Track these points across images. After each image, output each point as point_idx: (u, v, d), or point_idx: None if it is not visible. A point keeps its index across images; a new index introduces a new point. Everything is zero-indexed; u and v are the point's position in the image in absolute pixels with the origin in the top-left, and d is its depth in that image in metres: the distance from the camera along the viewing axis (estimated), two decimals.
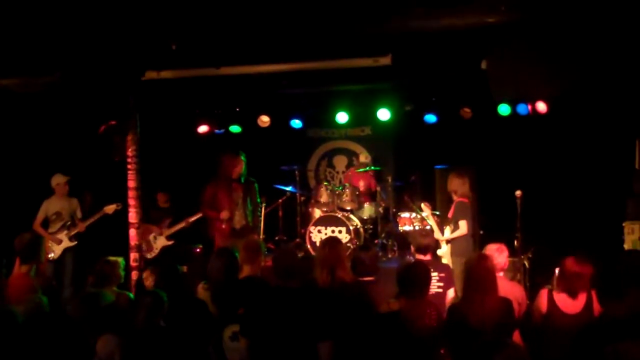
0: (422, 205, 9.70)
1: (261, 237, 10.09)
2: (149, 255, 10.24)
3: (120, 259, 6.74)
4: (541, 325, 5.85)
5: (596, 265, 5.77)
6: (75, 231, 9.90)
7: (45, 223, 9.96)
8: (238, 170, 9.48)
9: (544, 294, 5.87)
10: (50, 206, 9.96)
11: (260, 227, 9.72)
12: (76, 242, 9.92)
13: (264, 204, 10.63)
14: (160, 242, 10.48)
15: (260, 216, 9.78)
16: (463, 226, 8.82)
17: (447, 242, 8.96)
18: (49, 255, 9.48)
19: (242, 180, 9.52)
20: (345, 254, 6.28)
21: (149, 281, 6.39)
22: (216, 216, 9.40)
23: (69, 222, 9.95)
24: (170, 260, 9.71)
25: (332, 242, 6.29)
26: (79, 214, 10.04)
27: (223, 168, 9.49)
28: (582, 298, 5.68)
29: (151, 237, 10.38)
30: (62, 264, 9.81)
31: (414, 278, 5.47)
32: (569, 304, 5.68)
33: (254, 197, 9.63)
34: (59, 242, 9.83)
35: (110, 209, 9.88)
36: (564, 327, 5.49)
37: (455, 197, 9.08)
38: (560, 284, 5.82)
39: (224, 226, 9.40)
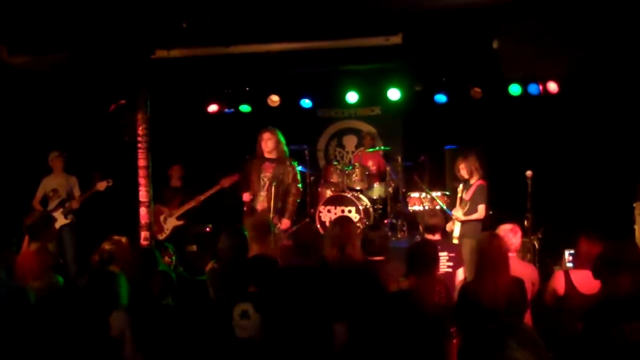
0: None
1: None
2: (160, 237, 10.25)
3: (124, 238, 6.76)
4: (555, 306, 5.82)
5: (605, 245, 5.74)
6: (70, 208, 9.90)
7: (45, 201, 9.98)
8: (265, 148, 8.93)
9: (560, 276, 5.81)
10: (48, 183, 9.99)
11: (289, 212, 8.91)
12: (72, 219, 9.92)
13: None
14: (171, 222, 10.50)
15: (295, 201, 8.99)
16: (481, 210, 8.78)
17: (461, 222, 8.92)
18: None
19: (274, 160, 8.97)
20: (357, 233, 6.27)
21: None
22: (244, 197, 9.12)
23: (66, 199, 9.96)
24: (181, 242, 9.78)
25: (343, 220, 6.30)
26: (76, 192, 10.03)
27: (257, 145, 9.06)
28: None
29: (162, 218, 10.40)
30: (61, 240, 9.77)
31: (422, 256, 5.48)
32: (587, 285, 5.62)
33: (287, 179, 8.91)
34: (55, 219, 9.86)
35: (101, 185, 9.86)
36: (581, 307, 5.46)
37: (474, 178, 8.99)
38: (579, 265, 5.79)
39: (245, 208, 9.08)
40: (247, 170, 9.17)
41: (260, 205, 8.94)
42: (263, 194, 8.93)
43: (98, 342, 3.10)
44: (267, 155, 8.97)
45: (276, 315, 5.18)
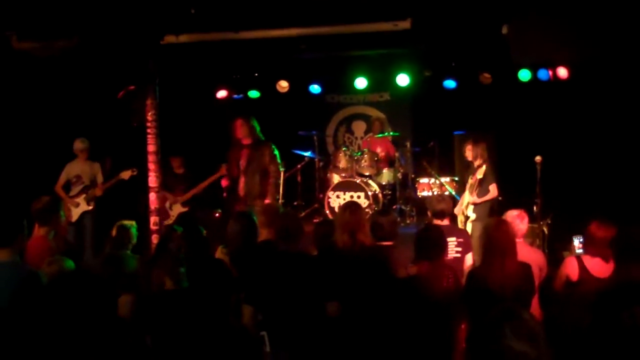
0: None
1: (280, 201, 10.08)
2: (165, 222, 10.28)
3: (133, 223, 6.81)
4: (566, 292, 5.82)
5: (617, 231, 5.74)
6: (93, 195, 9.97)
7: (68, 187, 10.06)
8: (240, 134, 9.10)
9: (572, 261, 5.81)
10: (72, 169, 10.06)
11: (270, 193, 9.01)
12: (94, 206, 9.99)
13: (283, 170, 10.65)
14: (176, 209, 10.52)
15: (275, 182, 9.19)
16: (493, 190, 8.82)
17: (475, 205, 8.93)
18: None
19: (250, 146, 9.13)
20: (366, 219, 6.29)
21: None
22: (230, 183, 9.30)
23: (89, 186, 10.03)
24: (193, 223, 9.78)
25: (353, 206, 6.30)
26: (100, 178, 10.10)
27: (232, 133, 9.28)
28: (611, 261, 5.64)
29: (167, 204, 10.43)
30: (82, 226, 9.91)
31: (429, 241, 5.49)
32: (601, 269, 5.64)
33: (263, 162, 9.05)
34: (77, 205, 9.93)
35: (126, 174, 9.92)
36: (594, 291, 5.45)
37: (477, 162, 9.04)
38: (591, 250, 5.78)
39: (224, 194, 9.28)
40: (229, 157, 9.33)
41: (242, 191, 9.11)
42: (243, 179, 9.10)
43: (106, 324, 3.12)
44: (243, 142, 9.13)
45: (272, 301, 5.25)
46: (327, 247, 5.98)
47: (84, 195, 9.98)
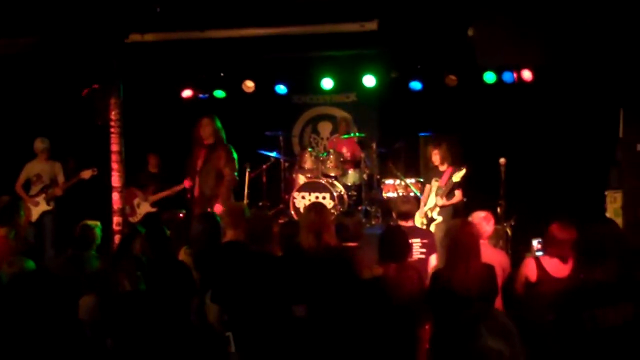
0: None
1: (245, 201, 10.03)
2: (131, 219, 10.21)
3: (98, 223, 6.75)
4: (527, 293, 5.87)
5: (577, 232, 5.79)
6: (53, 194, 9.87)
7: (28, 186, 9.94)
8: (203, 134, 8.93)
9: (531, 262, 5.88)
10: (32, 169, 9.97)
11: (222, 197, 8.78)
12: (54, 206, 9.88)
13: (248, 170, 10.61)
14: (144, 208, 10.45)
15: (228, 186, 8.92)
16: (459, 194, 8.94)
17: (440, 208, 9.01)
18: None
19: (210, 146, 8.97)
20: (331, 219, 6.27)
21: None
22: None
23: (49, 185, 9.92)
24: (157, 224, 9.72)
25: (318, 206, 6.28)
26: (60, 178, 10.01)
27: (194, 132, 9.11)
28: (569, 261, 5.71)
29: (135, 201, 10.35)
30: (42, 226, 9.81)
31: (393, 243, 5.51)
32: (559, 269, 5.72)
33: (218, 163, 8.88)
34: (37, 204, 9.82)
35: (86, 174, 9.84)
36: (553, 291, 5.50)
37: (444, 165, 9.15)
38: (550, 251, 5.85)
39: (188, 195, 9.19)
40: (190, 156, 9.20)
41: (195, 191, 9.01)
42: (197, 180, 9.00)
43: (64, 325, 3.08)
44: (205, 142, 8.98)
45: (238, 301, 5.22)
46: (292, 248, 5.96)
47: (43, 195, 9.87)
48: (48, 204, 9.88)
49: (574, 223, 5.81)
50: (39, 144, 9.92)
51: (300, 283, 5.48)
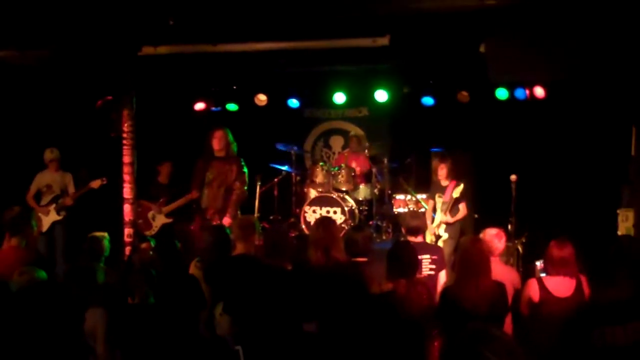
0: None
1: (255, 215, 10.04)
2: (148, 233, 10.23)
3: (106, 234, 6.77)
4: (532, 313, 5.84)
5: (588, 250, 5.77)
6: (63, 204, 9.91)
7: (39, 197, 9.98)
8: (214, 146, 8.99)
9: (533, 283, 5.85)
10: (42, 179, 10.01)
11: (231, 211, 8.87)
12: (64, 216, 9.92)
13: (258, 183, 10.63)
14: (160, 219, 10.44)
15: (238, 200, 8.99)
16: (463, 208, 8.98)
17: (447, 225, 9.01)
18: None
19: (222, 158, 9.03)
20: (340, 234, 6.27)
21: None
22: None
23: (60, 196, 9.97)
24: (168, 237, 9.72)
25: (326, 222, 6.28)
26: (71, 189, 10.05)
27: (205, 144, 9.15)
28: (572, 281, 5.68)
29: (150, 214, 10.36)
30: (52, 237, 9.84)
31: (402, 258, 5.48)
32: (561, 288, 5.68)
33: (230, 176, 8.96)
34: (47, 214, 9.87)
35: (96, 183, 9.88)
36: (557, 311, 5.49)
37: (447, 181, 9.17)
38: (551, 270, 5.83)
39: (194, 205, 9.18)
40: (197, 169, 9.20)
41: (204, 203, 9.05)
42: (206, 192, 9.02)
43: (68, 335, 3.08)
44: (216, 154, 9.05)
45: (243, 314, 5.21)
46: (301, 263, 5.96)
47: (54, 205, 9.91)
48: (58, 214, 9.92)
49: (570, 239, 5.80)
50: (48, 154, 9.98)
51: (309, 298, 5.48)
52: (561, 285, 5.69)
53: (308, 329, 5.39)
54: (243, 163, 9.08)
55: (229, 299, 5.42)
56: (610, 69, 8.65)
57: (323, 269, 5.71)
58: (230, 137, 9.08)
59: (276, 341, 5.23)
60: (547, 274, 5.92)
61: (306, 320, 5.35)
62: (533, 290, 5.78)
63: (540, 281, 5.82)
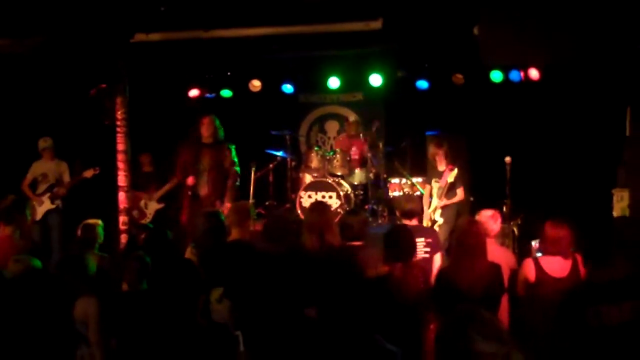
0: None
1: (251, 200, 10.04)
2: (143, 221, 10.27)
3: (99, 222, 6.76)
4: (528, 294, 5.86)
5: (584, 231, 5.78)
6: (58, 194, 9.91)
7: (35, 185, 9.99)
8: (203, 133, 9.08)
9: (529, 263, 5.86)
10: (38, 168, 10.05)
11: (230, 195, 9.04)
12: (58, 204, 9.92)
13: (253, 169, 10.63)
14: (152, 206, 10.50)
15: (234, 184, 9.17)
16: (461, 193, 8.98)
17: (442, 209, 9.01)
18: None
19: (212, 145, 9.12)
20: (334, 219, 6.27)
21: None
22: (183, 181, 9.21)
23: (54, 184, 9.97)
24: (161, 223, 9.76)
25: (320, 206, 6.29)
26: (66, 178, 10.06)
27: (191, 131, 9.23)
28: (568, 261, 5.69)
29: (142, 203, 10.39)
30: (47, 225, 9.84)
31: (398, 242, 5.48)
32: (557, 268, 5.69)
33: (225, 162, 9.10)
34: (41, 203, 9.88)
35: (88, 173, 9.91)
36: (553, 291, 5.50)
37: (443, 165, 9.16)
38: (547, 250, 5.84)
39: (189, 192, 9.17)
40: (183, 155, 9.21)
41: (202, 190, 9.06)
42: (204, 179, 9.05)
43: (59, 324, 3.09)
44: (204, 140, 9.10)
45: (244, 300, 5.19)
46: (295, 248, 5.95)
47: (48, 194, 9.92)
48: (52, 203, 9.93)
49: (567, 220, 5.81)
50: (41, 143, 10.01)
51: (305, 283, 5.48)
52: (557, 266, 5.70)
53: (309, 314, 5.39)
54: (232, 147, 9.18)
55: (229, 284, 5.40)
56: (604, 50, 8.64)
57: (318, 253, 5.71)
58: (217, 123, 9.15)
59: (271, 327, 5.24)
60: (543, 254, 5.93)
61: (304, 305, 5.35)
62: (529, 271, 5.79)
63: (536, 261, 5.84)
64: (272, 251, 5.73)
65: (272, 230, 5.93)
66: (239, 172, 9.26)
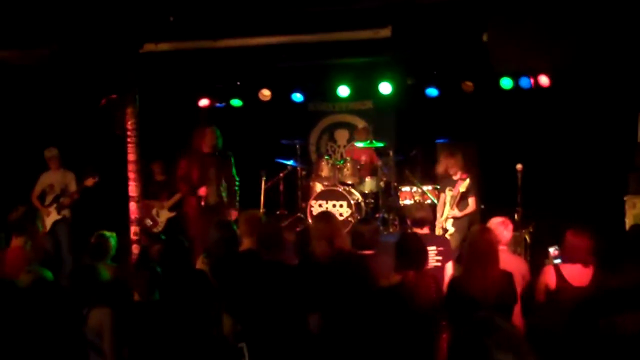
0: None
1: (261, 210, 10.04)
2: (155, 230, 10.30)
3: (113, 234, 6.76)
4: (548, 301, 5.83)
5: (596, 238, 5.75)
6: (63, 204, 9.93)
7: (44, 197, 10.02)
8: (207, 144, 9.13)
9: (550, 270, 5.85)
10: (45, 179, 10.08)
11: (235, 202, 9.26)
12: (66, 215, 9.94)
13: (263, 178, 10.63)
14: (164, 215, 10.52)
15: (237, 191, 9.31)
16: (472, 203, 8.93)
17: (454, 219, 8.97)
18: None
19: (215, 155, 9.19)
20: (341, 225, 6.27)
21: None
22: (188, 191, 9.23)
23: (60, 195, 9.99)
24: (176, 232, 9.76)
25: (325, 215, 6.31)
26: (72, 187, 10.05)
27: (193, 142, 9.24)
28: (588, 269, 5.66)
29: (154, 212, 10.40)
30: (55, 236, 9.84)
31: (409, 250, 5.45)
32: (578, 277, 5.67)
33: (228, 172, 9.25)
34: (49, 214, 9.90)
35: (89, 182, 9.90)
36: (573, 300, 5.46)
37: (460, 175, 9.09)
38: (568, 258, 5.83)
39: (202, 203, 9.18)
40: (185, 167, 9.23)
41: (212, 199, 9.14)
42: (212, 188, 9.12)
43: (71, 335, 3.09)
44: (207, 150, 9.15)
45: (251, 311, 5.20)
46: (307, 257, 5.94)
47: (55, 205, 9.94)
48: (59, 214, 9.93)
49: (589, 229, 5.79)
50: (46, 154, 10.05)
51: (315, 292, 5.46)
52: (578, 274, 5.68)
53: (312, 326, 5.38)
54: (230, 154, 9.31)
55: (230, 298, 5.40)
56: (614, 56, 8.62)
57: (329, 260, 5.69)
58: (218, 133, 9.23)
59: (280, 338, 5.22)
60: (563, 261, 5.92)
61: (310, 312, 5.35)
62: (550, 278, 5.79)
63: (557, 268, 5.82)
64: (277, 261, 5.72)
65: (264, 241, 5.90)
66: (237, 179, 9.39)
